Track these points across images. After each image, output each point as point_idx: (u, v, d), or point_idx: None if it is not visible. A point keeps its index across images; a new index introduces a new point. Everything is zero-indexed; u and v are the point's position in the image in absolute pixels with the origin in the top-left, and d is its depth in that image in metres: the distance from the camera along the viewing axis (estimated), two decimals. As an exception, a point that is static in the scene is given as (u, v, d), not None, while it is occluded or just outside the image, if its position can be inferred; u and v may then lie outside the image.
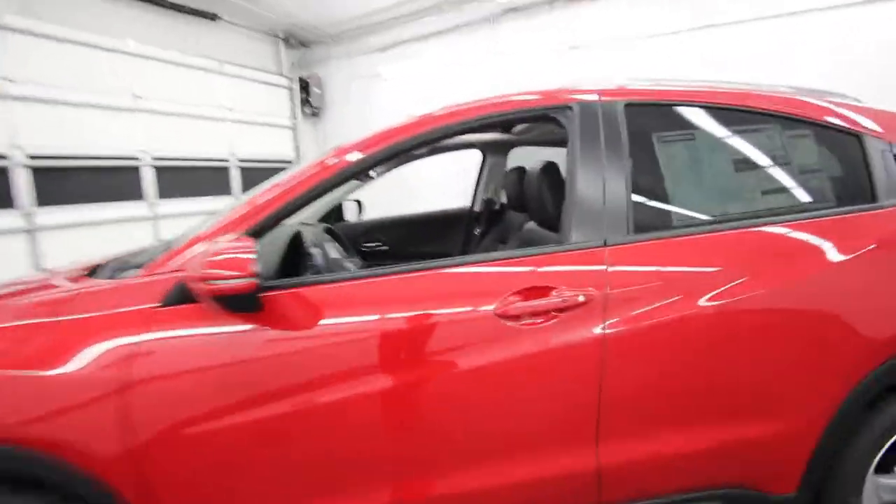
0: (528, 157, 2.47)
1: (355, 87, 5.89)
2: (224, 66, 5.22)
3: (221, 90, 5.21)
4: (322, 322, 1.08)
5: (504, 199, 2.76)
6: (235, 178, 5.32)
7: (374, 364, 1.07)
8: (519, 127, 2.35)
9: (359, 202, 2.85)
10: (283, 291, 1.08)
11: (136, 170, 4.43)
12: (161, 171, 4.57)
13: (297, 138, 6.08)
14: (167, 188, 4.60)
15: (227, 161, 5.31)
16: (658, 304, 1.11)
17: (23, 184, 3.53)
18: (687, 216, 1.24)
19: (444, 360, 1.09)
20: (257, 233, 1.12)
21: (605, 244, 1.14)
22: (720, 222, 1.21)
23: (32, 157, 3.57)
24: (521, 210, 2.26)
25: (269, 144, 5.76)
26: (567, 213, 1.19)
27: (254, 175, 5.28)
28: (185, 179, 4.77)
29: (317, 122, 6.25)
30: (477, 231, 2.69)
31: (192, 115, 4.86)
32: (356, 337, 1.08)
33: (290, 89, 6.02)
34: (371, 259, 2.79)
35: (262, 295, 1.02)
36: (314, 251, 1.45)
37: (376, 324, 1.09)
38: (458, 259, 1.17)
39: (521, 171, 2.20)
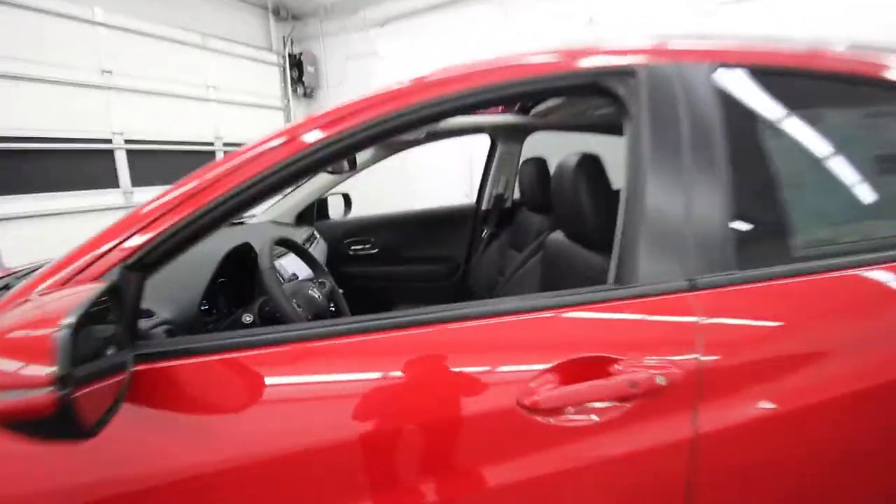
0: (547, 146, 2.04)
1: (352, 65, 5.41)
2: (208, 39, 4.76)
3: (205, 67, 4.75)
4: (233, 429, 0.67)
5: (516, 196, 2.33)
6: (221, 164, 4.90)
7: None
8: (540, 105, 1.91)
9: (346, 196, 2.43)
10: (164, 365, 0.67)
11: (108, 154, 4.02)
12: (136, 156, 4.15)
13: (289, 121, 5.63)
14: (143, 175, 4.19)
15: (212, 145, 4.88)
16: (785, 383, 0.70)
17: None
18: (821, 242, 0.81)
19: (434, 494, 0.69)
20: (146, 266, 0.71)
21: (692, 286, 0.72)
22: (872, 251, 0.78)
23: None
24: (539, 211, 1.83)
25: (258, 127, 5.31)
26: (627, 233, 0.77)
27: (241, 161, 4.86)
28: (164, 165, 4.35)
29: (311, 104, 5.78)
30: (484, 233, 2.27)
31: (172, 95, 4.42)
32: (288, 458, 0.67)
33: (282, 67, 5.56)
34: (357, 264, 2.38)
35: (133, 370, 0.62)
36: (265, 274, 1.04)
37: (322, 435, 0.67)
38: (457, 309, 0.74)
39: (539, 163, 1.77)
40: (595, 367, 0.69)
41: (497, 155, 2.31)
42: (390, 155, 2.22)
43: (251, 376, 0.70)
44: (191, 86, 4.61)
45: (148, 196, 0.74)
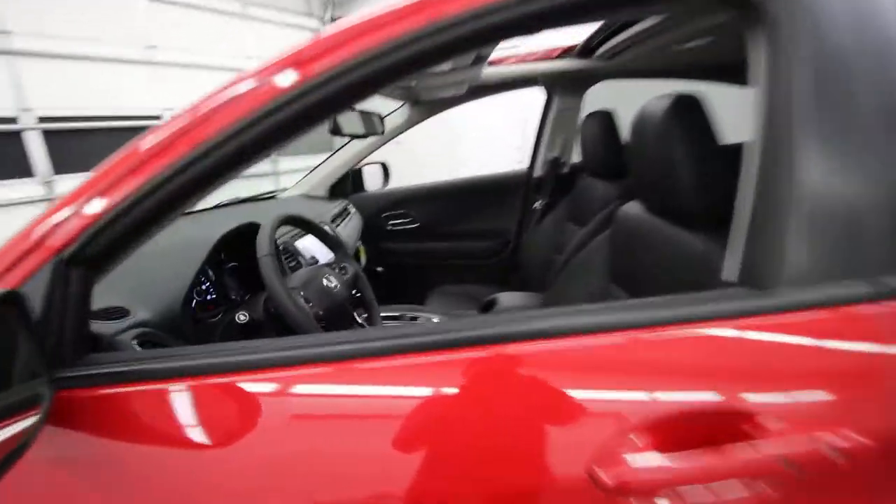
0: (615, 99, 1.69)
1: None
2: (248, 7, 4.63)
3: (245, 36, 4.65)
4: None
5: (576, 160, 2.01)
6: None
7: None
8: (608, 44, 1.55)
9: (384, 166, 2.22)
10: (99, 392, 0.50)
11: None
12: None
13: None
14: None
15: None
16: None
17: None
18: None
19: None
20: (91, 260, 0.53)
21: (878, 293, 0.44)
22: None
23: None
24: (605, 176, 1.53)
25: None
26: (764, 211, 0.50)
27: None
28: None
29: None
30: (538, 204, 1.98)
31: (212, 67, 4.36)
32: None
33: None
34: (396, 240, 2.19)
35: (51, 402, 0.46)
36: (261, 263, 0.85)
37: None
38: (498, 324, 0.49)
39: (605, 118, 1.45)
40: (720, 426, 0.43)
41: (553, 111, 1.99)
42: (429, 116, 1.96)
43: (207, 413, 0.50)
44: (231, 57, 4.52)
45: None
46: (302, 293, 0.91)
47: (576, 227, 1.67)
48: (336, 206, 1.92)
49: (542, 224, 1.94)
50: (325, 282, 0.99)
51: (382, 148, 2.02)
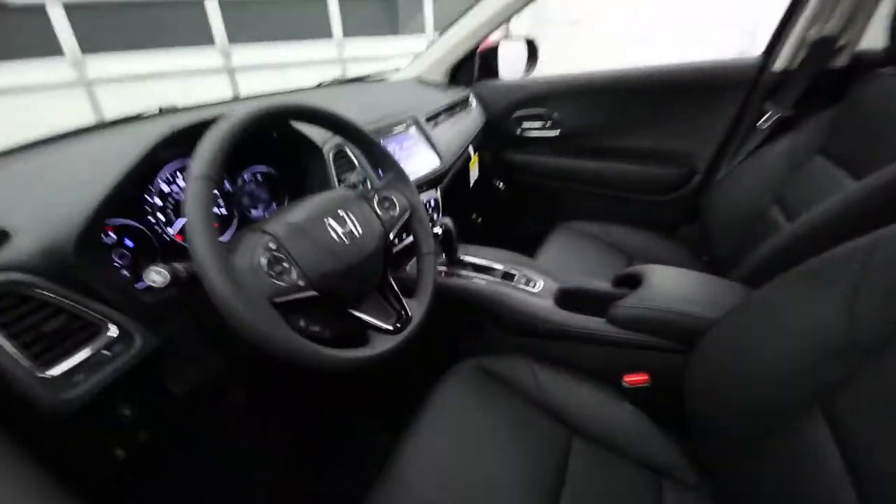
0: None
1: None
2: None
3: None
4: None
5: (867, 45, 1.12)
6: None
7: None
8: None
9: (531, 44, 1.59)
10: None
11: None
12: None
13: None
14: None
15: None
16: None
17: None
18: None
19: None
20: None
21: None
22: None
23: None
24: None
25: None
26: None
27: None
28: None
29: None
30: (766, 118, 1.19)
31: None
32: None
33: None
34: (529, 150, 1.63)
35: None
36: (187, 189, 0.47)
37: None
38: None
39: None
40: None
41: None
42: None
43: None
44: None
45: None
46: (272, 249, 0.52)
47: (839, 172, 0.92)
48: (452, 96, 1.44)
49: (762, 153, 1.18)
50: (330, 232, 0.59)
51: (544, 28, 1.39)
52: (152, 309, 0.58)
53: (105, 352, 0.52)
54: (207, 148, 0.49)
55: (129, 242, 0.64)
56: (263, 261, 0.51)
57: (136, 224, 0.65)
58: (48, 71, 3.24)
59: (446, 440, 0.70)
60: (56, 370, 0.48)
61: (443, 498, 0.62)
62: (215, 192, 0.77)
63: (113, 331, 0.54)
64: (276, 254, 0.53)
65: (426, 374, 0.83)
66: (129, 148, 0.57)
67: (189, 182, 0.47)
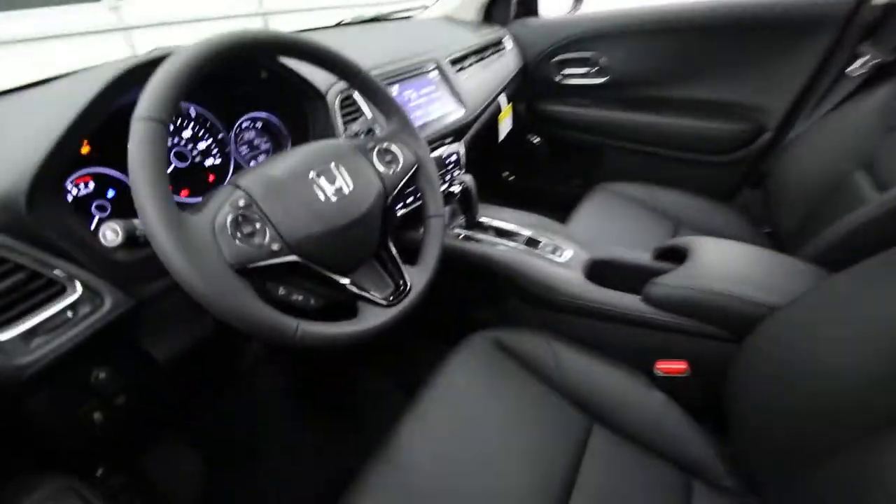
0: None
1: None
2: None
3: None
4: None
5: None
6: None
7: None
8: None
9: (579, -24, 1.39)
10: None
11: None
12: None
13: None
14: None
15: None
16: None
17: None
18: None
19: None
20: None
21: None
22: None
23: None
24: None
25: None
26: None
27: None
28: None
29: None
30: (858, 63, 0.98)
31: None
32: None
33: None
34: (569, 100, 1.46)
35: None
36: (131, 135, 0.40)
37: None
38: None
39: None
40: None
41: None
42: None
43: None
44: None
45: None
46: (241, 207, 0.45)
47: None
48: (483, 37, 1.28)
49: (850, 107, 0.98)
50: (314, 189, 0.50)
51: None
52: (126, 268, 0.53)
53: (69, 313, 0.48)
54: (156, 85, 0.41)
55: (112, 193, 0.59)
56: (229, 219, 0.44)
57: (115, 173, 0.59)
58: None
59: (450, 417, 0.64)
60: (8, 333, 0.44)
61: (438, 477, 0.57)
62: (209, 140, 0.71)
63: (78, 290, 0.49)
64: (245, 212, 0.45)
65: (439, 341, 0.76)
66: (83, 93, 0.50)
67: (133, 124, 0.40)
